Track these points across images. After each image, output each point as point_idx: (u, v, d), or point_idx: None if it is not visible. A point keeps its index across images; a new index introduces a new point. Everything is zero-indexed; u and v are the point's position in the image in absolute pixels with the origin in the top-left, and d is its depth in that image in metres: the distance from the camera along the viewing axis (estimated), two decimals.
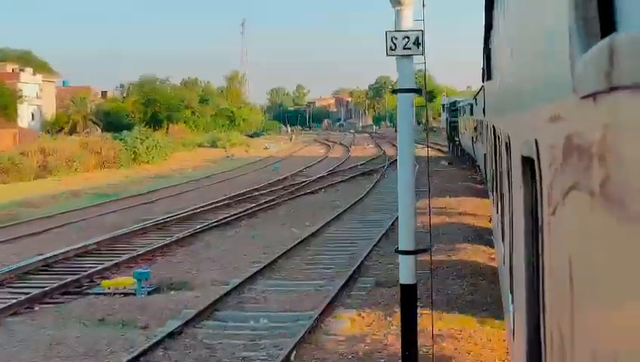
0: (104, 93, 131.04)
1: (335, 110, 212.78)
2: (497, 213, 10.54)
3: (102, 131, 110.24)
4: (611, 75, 1.31)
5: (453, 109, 55.75)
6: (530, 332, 3.50)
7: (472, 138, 36.83)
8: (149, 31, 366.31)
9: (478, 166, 35.00)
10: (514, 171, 4.71)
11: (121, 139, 58.91)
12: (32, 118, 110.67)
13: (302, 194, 35.76)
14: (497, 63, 9.00)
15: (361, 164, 55.34)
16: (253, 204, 31.22)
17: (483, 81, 18.92)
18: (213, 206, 30.76)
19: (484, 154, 21.69)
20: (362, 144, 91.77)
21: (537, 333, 3.16)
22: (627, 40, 1.25)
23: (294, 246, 21.58)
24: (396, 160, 11.28)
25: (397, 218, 12.79)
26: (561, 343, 2.23)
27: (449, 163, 53.01)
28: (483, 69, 16.60)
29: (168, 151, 66.28)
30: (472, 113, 37.47)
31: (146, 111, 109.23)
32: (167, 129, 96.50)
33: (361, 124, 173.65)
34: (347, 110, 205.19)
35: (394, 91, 10.74)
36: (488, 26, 11.29)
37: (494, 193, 12.00)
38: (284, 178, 44.46)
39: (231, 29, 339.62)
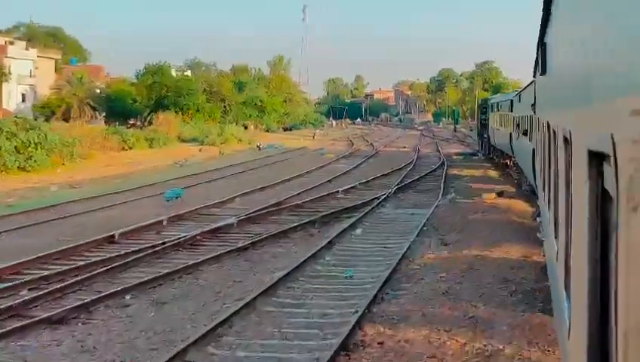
0: None
1: (394, 103, 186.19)
2: (549, 209, 9.05)
3: (106, 117, 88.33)
4: None
5: (484, 107, 52.11)
6: (592, 332, 3.22)
7: (511, 134, 32.08)
8: (202, 17, 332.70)
9: (514, 163, 33.50)
10: (575, 166, 4.31)
11: None
12: (23, 100, 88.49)
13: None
14: (555, 58, 7.81)
15: (350, 188, 30.52)
16: None
17: (534, 76, 16.07)
18: None
19: (533, 150, 18.56)
20: (399, 145, 66.56)
21: (604, 334, 3.01)
22: None
23: None
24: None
25: None
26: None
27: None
28: (537, 63, 13.19)
29: (82, 150, 42.34)
30: (511, 109, 32.85)
31: (150, 96, 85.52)
32: (148, 120, 73.19)
33: (418, 120, 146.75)
34: (406, 104, 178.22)
35: None
36: (545, 20, 9.30)
37: (545, 189, 10.48)
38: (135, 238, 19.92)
39: (292, 17, 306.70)
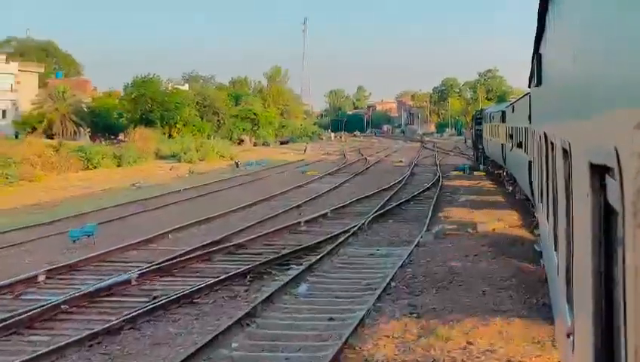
0: None
1: (397, 115, 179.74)
2: (548, 221, 8.53)
3: (91, 133, 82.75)
4: None
5: (478, 118, 50.68)
6: (597, 346, 3.08)
7: (503, 145, 31.52)
8: (203, 29, 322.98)
9: (507, 174, 32.29)
10: (576, 179, 4.15)
11: None
12: (3, 116, 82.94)
13: None
14: (552, 68, 7.43)
15: (318, 216, 24.75)
16: None
17: (530, 87, 15.09)
18: None
19: (529, 162, 17.78)
20: (394, 159, 60.54)
21: (610, 347, 2.86)
22: None
23: None
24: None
25: None
26: None
27: None
28: (532, 74, 12.20)
29: (28, 171, 36.60)
30: (503, 120, 32.11)
31: (135, 110, 79.69)
32: (123, 135, 67.59)
33: (420, 131, 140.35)
34: (409, 115, 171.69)
35: None
36: (540, 31, 9.06)
37: (544, 201, 9.92)
38: None
39: (292, 29, 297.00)
